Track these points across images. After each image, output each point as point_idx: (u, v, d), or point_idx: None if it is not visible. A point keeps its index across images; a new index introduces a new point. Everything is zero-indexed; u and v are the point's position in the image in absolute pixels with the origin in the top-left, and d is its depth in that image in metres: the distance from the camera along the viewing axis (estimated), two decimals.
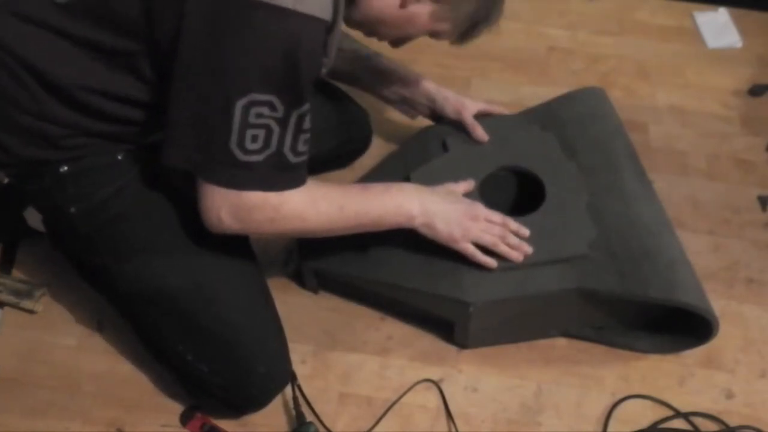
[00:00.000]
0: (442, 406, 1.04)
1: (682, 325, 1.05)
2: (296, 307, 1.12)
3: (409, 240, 1.00)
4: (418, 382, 1.06)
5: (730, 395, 1.06)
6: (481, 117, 1.18)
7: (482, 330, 1.06)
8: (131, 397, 1.05)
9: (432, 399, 1.05)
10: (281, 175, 0.87)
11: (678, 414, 1.03)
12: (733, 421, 1.03)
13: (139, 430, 1.02)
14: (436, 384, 1.06)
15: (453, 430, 1.01)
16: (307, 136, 0.88)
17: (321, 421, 1.00)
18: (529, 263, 1.00)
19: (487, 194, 1.08)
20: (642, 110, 1.45)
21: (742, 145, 1.38)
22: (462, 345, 1.09)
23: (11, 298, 1.12)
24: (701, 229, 1.25)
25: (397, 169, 1.14)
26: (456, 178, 1.07)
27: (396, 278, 1.03)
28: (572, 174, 1.09)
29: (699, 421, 1.03)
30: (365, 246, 1.05)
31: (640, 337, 1.08)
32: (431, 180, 1.06)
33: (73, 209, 0.94)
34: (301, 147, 0.87)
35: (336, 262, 1.08)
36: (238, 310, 0.98)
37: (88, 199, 0.94)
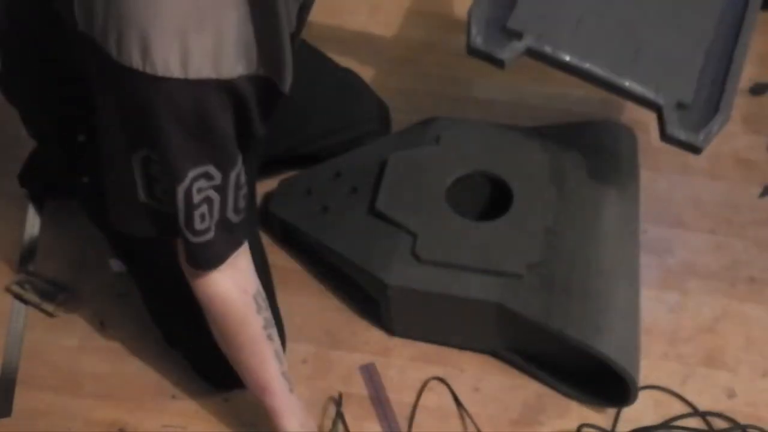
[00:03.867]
0: (447, 405, 1.04)
1: (611, 382, 0.99)
2: (298, 307, 1.12)
3: (368, 216, 1.07)
4: (427, 380, 1.06)
5: (731, 394, 1.06)
6: (491, 124, 1.18)
7: (407, 320, 1.07)
8: (133, 398, 1.05)
9: (434, 398, 1.05)
10: (231, 237, 0.83)
11: (695, 413, 1.03)
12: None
13: (141, 430, 1.02)
14: (446, 384, 1.06)
15: (463, 429, 1.02)
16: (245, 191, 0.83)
17: None
18: (462, 265, 1.00)
19: (461, 193, 1.10)
20: (643, 109, 1.45)
21: (743, 144, 1.38)
22: (388, 329, 1.10)
23: (35, 298, 1.12)
24: (703, 229, 1.24)
25: (386, 147, 1.16)
26: (432, 170, 1.10)
27: (338, 245, 1.07)
28: (545, 196, 1.08)
29: (709, 419, 1.03)
30: (327, 209, 1.11)
31: (566, 380, 1.05)
32: (408, 165, 1.10)
33: (85, 179, 0.95)
34: (242, 203, 0.82)
35: (297, 217, 1.13)
36: None
37: (98, 171, 0.95)
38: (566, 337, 0.96)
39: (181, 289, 0.99)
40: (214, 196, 0.78)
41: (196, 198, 0.76)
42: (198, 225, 0.78)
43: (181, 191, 0.75)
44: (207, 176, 0.76)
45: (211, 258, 0.82)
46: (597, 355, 0.95)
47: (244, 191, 0.82)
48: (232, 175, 0.78)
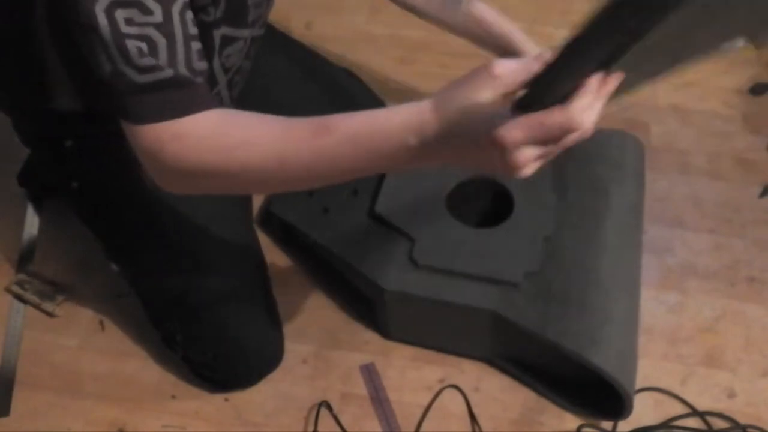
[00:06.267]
0: (453, 408, 1.04)
1: (607, 392, 0.98)
2: (298, 307, 1.12)
3: (367, 219, 1.06)
4: (444, 388, 1.06)
5: (732, 394, 1.06)
6: None
7: (403, 324, 1.07)
8: (133, 398, 1.05)
9: (439, 402, 1.05)
10: (184, 92, 0.68)
11: (694, 412, 1.03)
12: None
13: (141, 430, 1.02)
14: (462, 392, 1.06)
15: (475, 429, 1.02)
16: (199, 46, 0.69)
17: None
18: (459, 272, 1.00)
19: (461, 199, 1.09)
20: (643, 110, 1.45)
21: (743, 144, 1.38)
22: (384, 333, 1.10)
23: (35, 298, 1.12)
24: (702, 228, 1.25)
25: None
26: (433, 175, 1.09)
27: (337, 247, 1.07)
28: (546, 205, 1.07)
29: (708, 419, 1.03)
30: (327, 210, 1.11)
31: (561, 390, 1.04)
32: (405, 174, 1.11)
33: (74, 184, 0.95)
34: (198, 64, 0.69)
35: (297, 218, 1.13)
36: (228, 290, 0.99)
37: (87, 176, 0.95)
38: (561, 348, 0.95)
39: (177, 291, 0.99)
40: (157, 36, 0.65)
41: (126, 27, 0.64)
42: (138, 59, 0.65)
43: (100, 11, 0.64)
44: (141, 6, 0.65)
45: (167, 108, 0.67)
46: (592, 367, 0.94)
47: (197, 46, 0.69)
48: (175, 10, 0.67)
